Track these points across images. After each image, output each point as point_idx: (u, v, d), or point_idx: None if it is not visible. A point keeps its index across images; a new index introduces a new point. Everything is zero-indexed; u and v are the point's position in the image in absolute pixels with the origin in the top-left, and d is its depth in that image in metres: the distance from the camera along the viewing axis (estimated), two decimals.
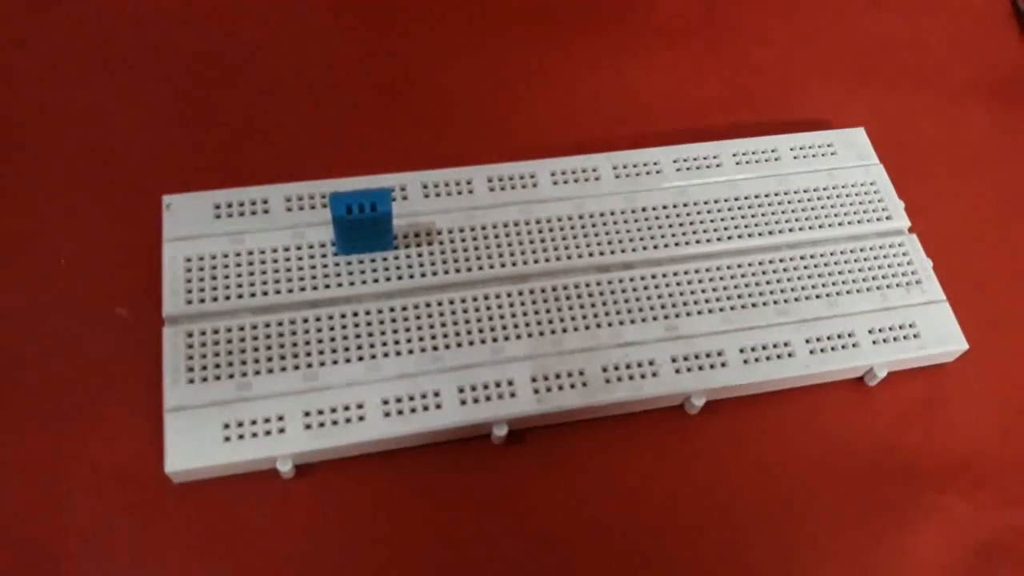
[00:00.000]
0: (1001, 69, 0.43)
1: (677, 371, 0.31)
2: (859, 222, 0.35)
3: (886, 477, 0.31)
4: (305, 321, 0.30)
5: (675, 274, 0.33)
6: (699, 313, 0.32)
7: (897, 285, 0.34)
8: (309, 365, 0.29)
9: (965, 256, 0.36)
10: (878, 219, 0.35)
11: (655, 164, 0.35)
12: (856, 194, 0.36)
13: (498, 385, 0.30)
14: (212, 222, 0.32)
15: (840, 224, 0.35)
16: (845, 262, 0.34)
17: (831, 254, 0.34)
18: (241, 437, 0.28)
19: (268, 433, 0.28)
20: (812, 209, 0.35)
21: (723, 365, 0.31)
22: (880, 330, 0.33)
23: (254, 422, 0.28)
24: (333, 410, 0.29)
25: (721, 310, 0.32)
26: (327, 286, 0.31)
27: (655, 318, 0.32)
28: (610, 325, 0.31)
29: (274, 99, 0.37)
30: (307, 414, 0.28)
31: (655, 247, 0.33)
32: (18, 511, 0.27)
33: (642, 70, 0.39)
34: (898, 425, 0.32)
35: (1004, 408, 0.34)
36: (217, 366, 0.29)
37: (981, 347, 0.33)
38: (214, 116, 0.36)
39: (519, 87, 0.39)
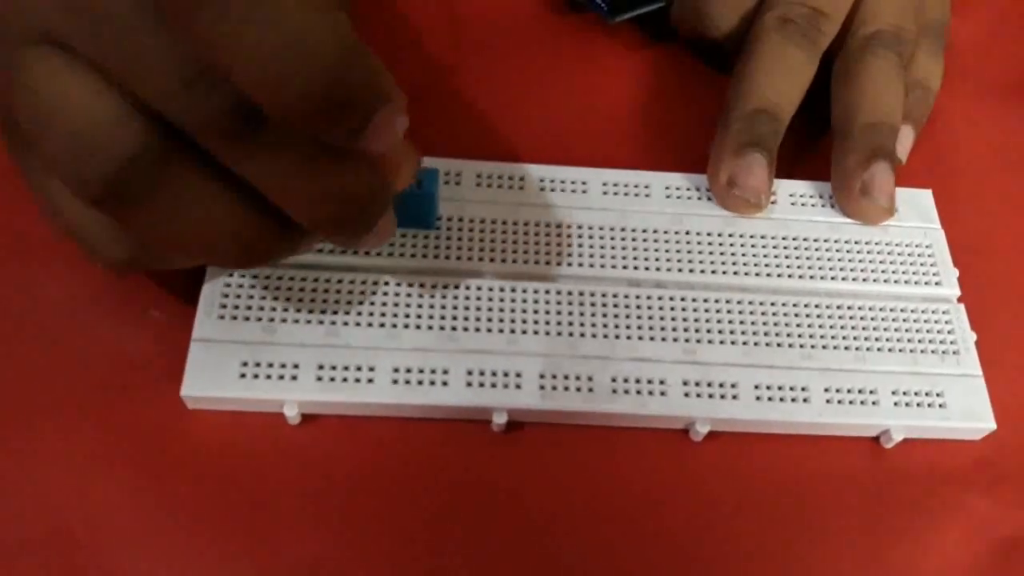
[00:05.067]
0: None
1: (686, 395, 0.31)
2: (906, 283, 0.34)
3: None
4: (339, 281, 0.32)
5: (705, 300, 0.33)
6: (721, 343, 0.32)
7: (932, 352, 0.33)
8: (333, 323, 0.31)
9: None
10: (926, 283, 0.34)
11: (708, 190, 0.36)
12: (910, 255, 0.35)
13: (506, 375, 0.31)
14: None
15: (887, 282, 0.34)
16: (883, 319, 0.33)
17: (869, 308, 0.33)
18: (256, 376, 0.30)
19: (281, 377, 0.30)
20: (860, 261, 0.35)
21: (734, 397, 0.31)
22: (904, 393, 0.32)
23: (271, 365, 0.30)
24: (346, 368, 0.30)
25: (744, 344, 0.32)
26: (367, 253, 0.32)
27: (675, 339, 0.32)
28: (628, 338, 0.32)
29: None
30: (321, 367, 0.30)
31: (691, 271, 0.34)
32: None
33: (705, 104, 0.39)
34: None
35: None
36: (249, 308, 0.31)
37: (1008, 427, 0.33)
38: None
39: (590, 100, 0.40)
